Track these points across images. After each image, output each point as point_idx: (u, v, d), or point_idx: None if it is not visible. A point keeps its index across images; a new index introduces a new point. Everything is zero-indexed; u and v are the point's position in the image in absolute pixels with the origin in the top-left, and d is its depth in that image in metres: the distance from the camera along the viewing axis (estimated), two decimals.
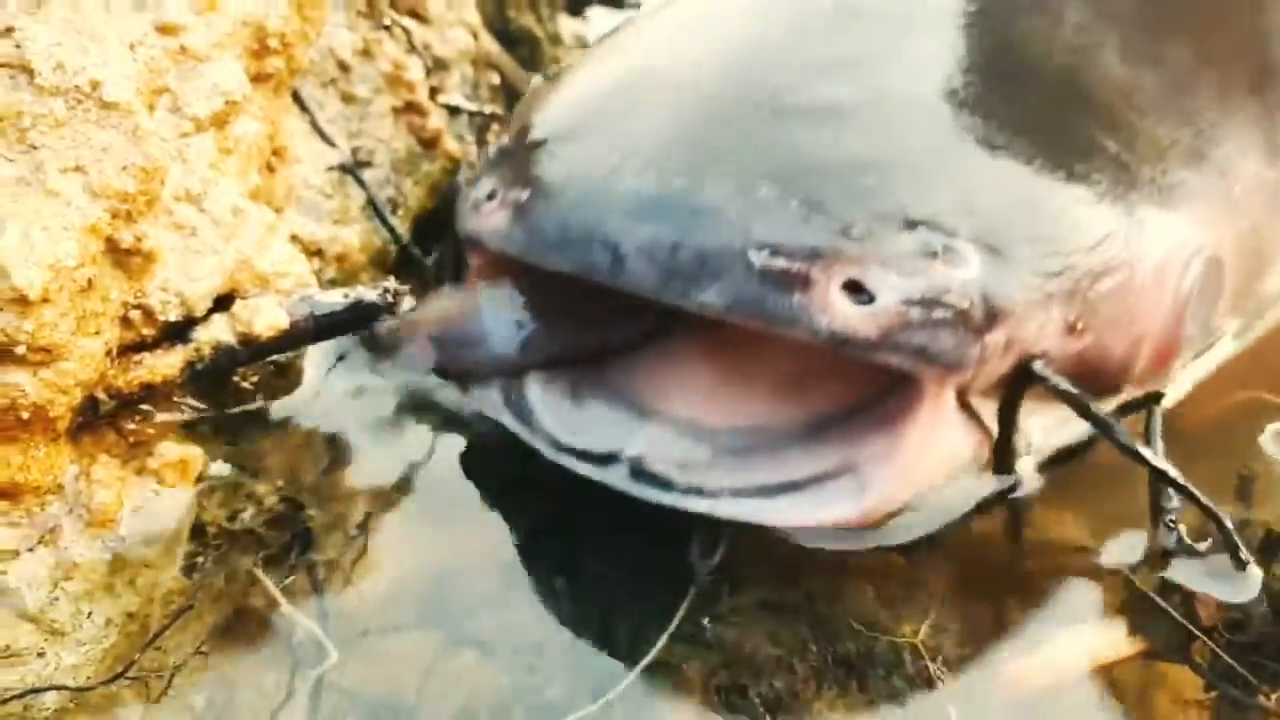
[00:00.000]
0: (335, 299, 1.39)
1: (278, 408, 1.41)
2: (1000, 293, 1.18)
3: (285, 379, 1.43)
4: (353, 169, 1.68)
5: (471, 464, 1.39)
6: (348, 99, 1.75)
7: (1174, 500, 1.27)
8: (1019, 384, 1.24)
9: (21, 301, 1.09)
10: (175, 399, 1.32)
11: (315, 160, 1.66)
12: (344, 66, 1.75)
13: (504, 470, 1.37)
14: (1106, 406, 1.29)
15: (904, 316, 1.14)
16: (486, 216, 1.29)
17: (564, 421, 1.31)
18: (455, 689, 1.12)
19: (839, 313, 1.13)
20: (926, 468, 1.24)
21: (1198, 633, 1.21)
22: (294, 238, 1.52)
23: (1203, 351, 1.51)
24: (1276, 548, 1.26)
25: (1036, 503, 1.35)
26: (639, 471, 1.26)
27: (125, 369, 1.26)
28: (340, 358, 1.49)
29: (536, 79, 1.74)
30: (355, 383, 1.47)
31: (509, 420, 1.33)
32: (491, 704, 1.11)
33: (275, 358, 1.40)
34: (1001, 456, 1.30)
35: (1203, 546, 1.26)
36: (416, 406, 1.45)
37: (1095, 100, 1.36)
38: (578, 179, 1.24)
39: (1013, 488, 1.32)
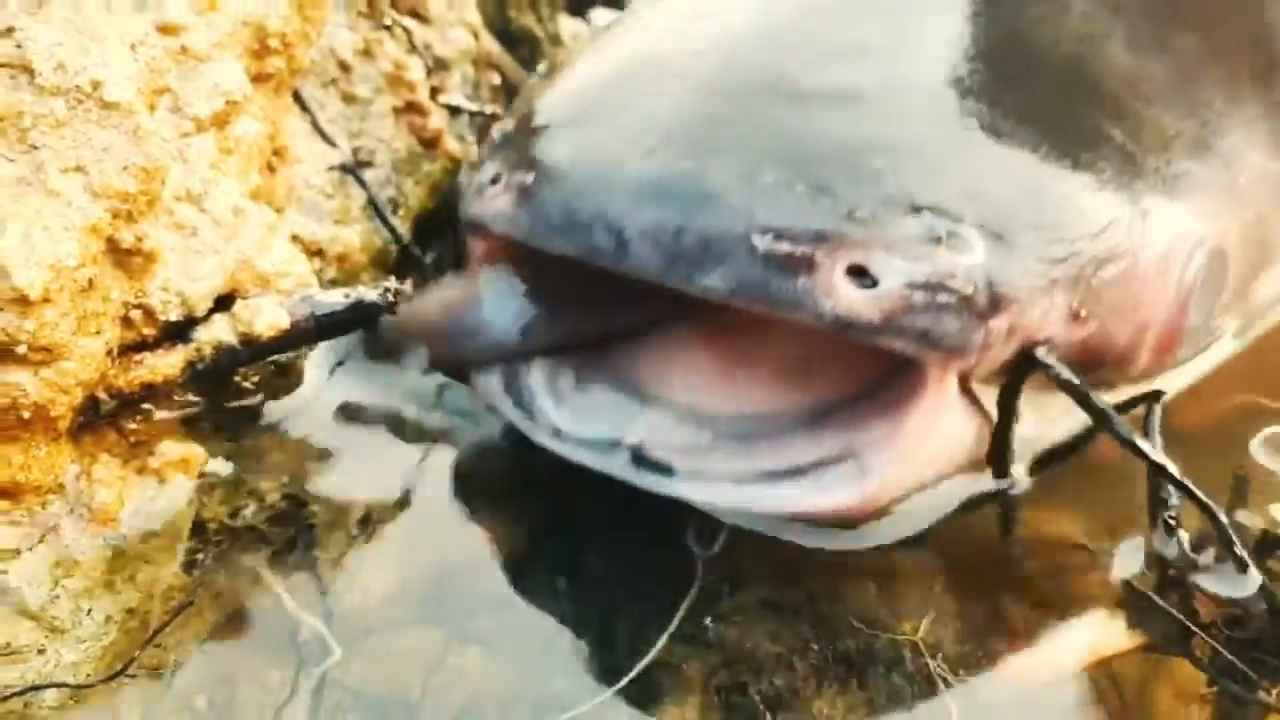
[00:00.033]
0: (336, 299, 1.39)
1: (279, 407, 1.41)
2: (1004, 279, 1.18)
3: (286, 379, 1.43)
4: (353, 169, 1.69)
5: (474, 462, 1.39)
6: (348, 99, 1.75)
7: (1173, 497, 1.28)
8: (1021, 371, 1.24)
9: (22, 301, 1.10)
10: (176, 398, 1.32)
11: (316, 160, 1.66)
12: (345, 66, 1.75)
13: (507, 468, 1.38)
14: (1108, 399, 1.29)
15: (907, 301, 1.14)
16: (490, 200, 1.28)
17: (564, 408, 1.31)
18: (458, 687, 1.12)
19: (843, 297, 1.13)
20: (928, 454, 1.24)
21: (1196, 629, 1.21)
22: (295, 238, 1.52)
23: (1205, 348, 1.51)
24: (1271, 548, 1.27)
25: (1035, 501, 1.35)
26: (640, 458, 1.26)
27: (126, 369, 1.26)
28: (341, 358, 1.49)
29: (540, 68, 1.74)
30: (356, 382, 1.47)
31: (508, 408, 1.33)
32: (494, 701, 1.11)
33: (276, 357, 1.40)
34: (999, 445, 1.30)
35: (1201, 547, 1.27)
36: (418, 406, 1.45)
37: (1102, 89, 1.36)
38: (582, 162, 1.24)
39: (1008, 482, 1.33)
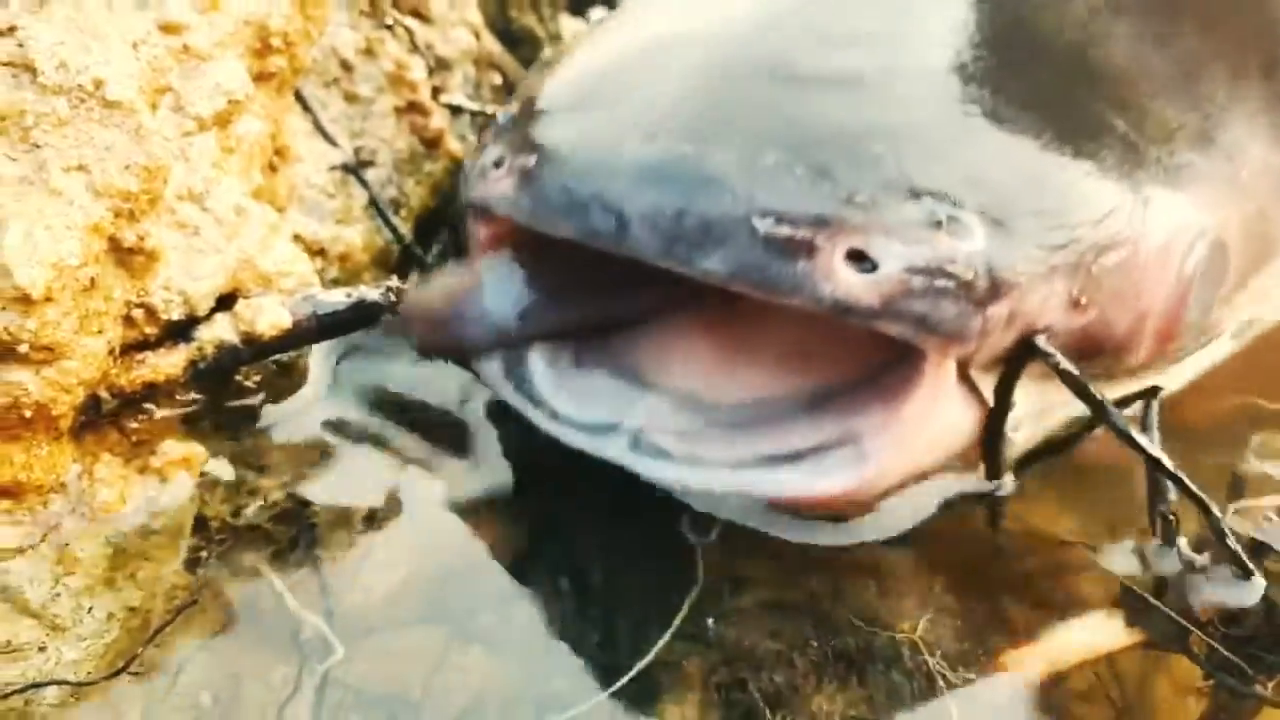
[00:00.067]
0: (338, 298, 1.39)
1: (280, 407, 1.41)
2: (1004, 265, 1.18)
3: (288, 378, 1.43)
4: (355, 169, 1.69)
5: (476, 462, 1.39)
6: (350, 98, 1.75)
7: (1171, 493, 1.28)
8: (1020, 359, 1.24)
9: (24, 300, 1.10)
10: (178, 397, 1.32)
11: (317, 160, 1.66)
12: (346, 66, 1.75)
13: (509, 468, 1.37)
14: (1108, 392, 1.29)
15: (907, 286, 1.14)
16: (493, 183, 1.29)
17: (564, 393, 1.32)
18: (460, 686, 1.12)
19: (842, 281, 1.13)
20: (927, 440, 1.25)
21: (1193, 627, 1.21)
22: (296, 237, 1.52)
23: (1204, 342, 1.51)
24: (1264, 548, 1.28)
25: (1034, 499, 1.35)
26: (638, 442, 1.26)
27: (128, 368, 1.26)
28: (343, 357, 1.49)
29: (545, 53, 1.74)
30: (358, 382, 1.47)
31: (508, 392, 1.33)
32: (496, 700, 1.12)
33: (278, 357, 1.40)
34: (992, 433, 1.29)
35: (1200, 545, 1.27)
36: (420, 405, 1.45)
37: (1105, 79, 1.36)
38: (584, 145, 1.24)
39: (998, 477, 1.33)
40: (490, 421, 1.41)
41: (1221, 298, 1.45)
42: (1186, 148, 1.38)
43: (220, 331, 1.32)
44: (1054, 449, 1.40)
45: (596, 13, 2.44)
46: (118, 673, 1.09)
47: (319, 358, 1.47)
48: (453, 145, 1.84)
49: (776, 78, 1.25)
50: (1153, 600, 1.24)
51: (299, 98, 1.66)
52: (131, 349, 1.26)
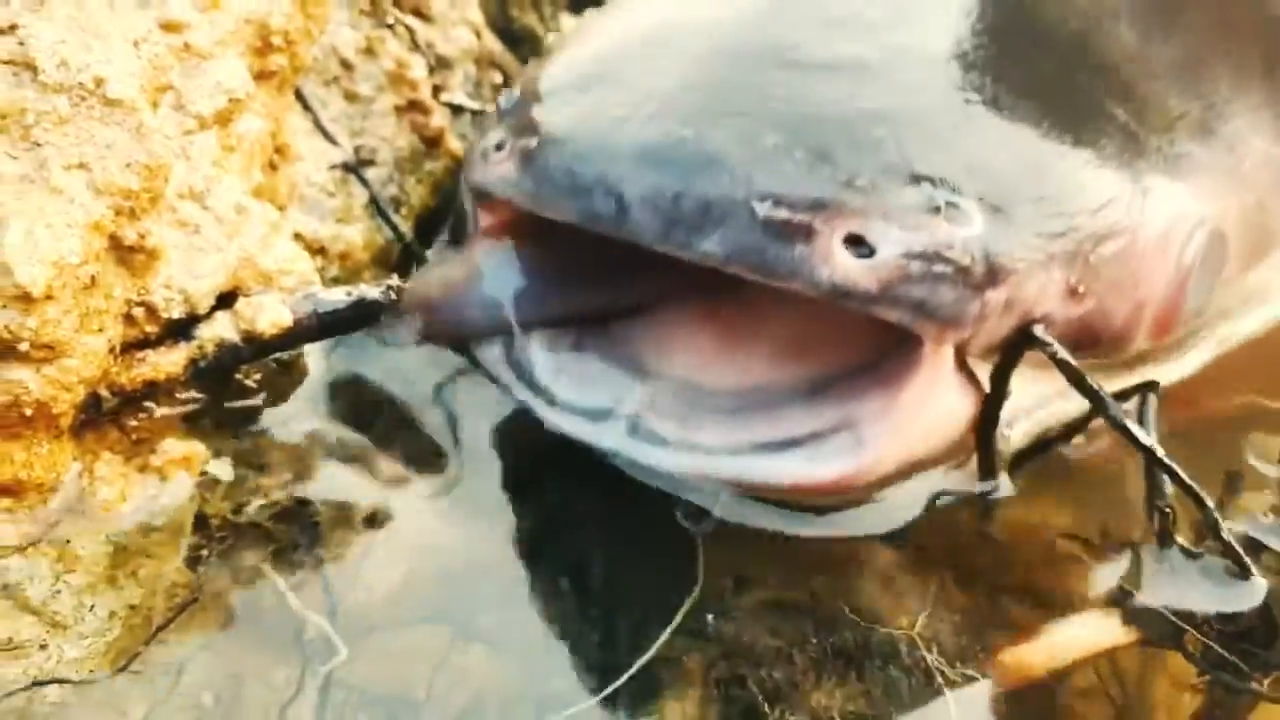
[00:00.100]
0: (338, 297, 1.38)
1: (281, 405, 1.41)
2: (1002, 251, 1.18)
3: (288, 376, 1.43)
4: (355, 167, 1.69)
5: (477, 461, 1.39)
6: (350, 97, 1.75)
7: (1168, 488, 1.28)
8: (1017, 347, 1.24)
9: (25, 298, 1.09)
10: (178, 396, 1.32)
11: (318, 158, 1.66)
12: (347, 65, 1.75)
13: (510, 467, 1.38)
14: (1106, 384, 1.29)
15: (904, 271, 1.14)
16: (495, 166, 1.29)
17: (563, 379, 1.32)
18: (462, 685, 1.13)
19: (839, 265, 1.13)
20: (924, 427, 1.25)
21: (1189, 625, 1.22)
22: (297, 236, 1.52)
23: (1202, 335, 1.51)
24: (1259, 546, 1.28)
25: (1031, 496, 1.35)
26: (636, 429, 1.26)
27: (128, 366, 1.26)
28: (344, 356, 1.49)
29: (550, 39, 1.74)
30: (359, 380, 1.47)
31: (508, 378, 1.34)
32: (497, 699, 1.12)
33: (278, 355, 1.40)
34: (988, 421, 1.29)
35: (1195, 541, 1.27)
36: (421, 404, 1.45)
37: (1107, 68, 1.37)
38: (585, 127, 1.24)
39: (992, 466, 1.33)
40: (491, 421, 1.41)
41: (1220, 289, 1.45)
42: (1187, 138, 1.38)
43: (221, 330, 1.32)
44: (1051, 442, 1.40)
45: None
46: (119, 671, 1.09)
47: (319, 356, 1.47)
48: (453, 144, 1.84)
49: (778, 62, 1.25)
50: (1149, 597, 1.24)
51: (299, 96, 1.66)
52: (132, 347, 1.26)
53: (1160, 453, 1.25)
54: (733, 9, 1.34)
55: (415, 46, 1.83)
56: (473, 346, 1.38)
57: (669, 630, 1.17)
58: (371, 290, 1.40)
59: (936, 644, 1.19)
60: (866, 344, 1.28)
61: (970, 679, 1.17)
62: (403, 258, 1.69)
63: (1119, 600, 1.25)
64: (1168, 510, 1.28)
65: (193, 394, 1.34)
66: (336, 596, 1.19)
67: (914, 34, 1.31)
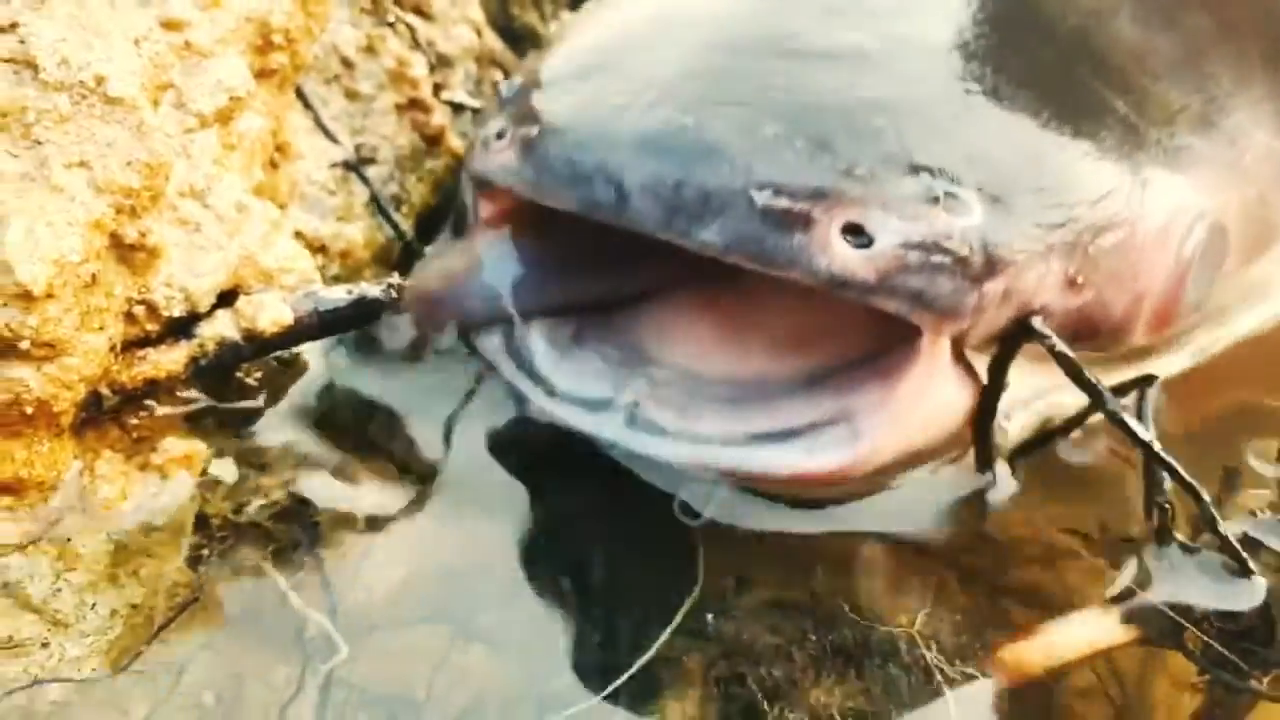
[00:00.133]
0: (339, 295, 1.38)
1: (282, 404, 1.41)
2: (1001, 242, 1.18)
3: (289, 375, 1.43)
4: (356, 166, 1.69)
5: (478, 460, 1.39)
6: (351, 95, 1.75)
7: (1167, 484, 1.28)
8: (1015, 339, 1.24)
9: (26, 297, 1.09)
10: (179, 394, 1.32)
11: (319, 157, 1.66)
12: (347, 63, 1.75)
13: (511, 466, 1.37)
14: (1105, 377, 1.29)
15: (902, 261, 1.14)
16: (495, 154, 1.29)
17: (562, 368, 1.32)
18: (462, 685, 1.13)
19: (838, 255, 1.13)
20: (921, 419, 1.25)
21: (1189, 623, 1.22)
22: (298, 234, 1.52)
23: (1203, 330, 1.51)
24: (1258, 544, 1.28)
25: (1029, 493, 1.36)
26: (634, 418, 1.26)
27: (129, 364, 1.26)
28: (344, 354, 1.49)
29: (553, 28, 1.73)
30: (359, 379, 1.47)
31: (507, 367, 1.34)
32: (498, 699, 1.12)
33: (279, 354, 1.40)
34: (985, 413, 1.29)
35: (1194, 537, 1.27)
36: (422, 403, 1.45)
37: (1108, 61, 1.37)
38: (586, 116, 1.24)
39: (989, 459, 1.32)
40: (492, 421, 1.41)
41: (1220, 283, 1.45)
42: (1188, 131, 1.38)
43: (221, 328, 1.32)
44: (1050, 435, 1.40)
45: None
46: (121, 670, 1.09)
47: (320, 355, 1.47)
48: (454, 142, 1.84)
49: (779, 51, 1.25)
50: (1148, 594, 1.24)
51: (300, 95, 1.66)
52: (133, 345, 1.26)
53: (1158, 448, 1.25)
54: None
55: (416, 45, 1.83)
56: (472, 338, 1.38)
57: (669, 630, 1.17)
58: (372, 288, 1.40)
59: (936, 642, 1.19)
60: (866, 335, 1.29)
61: (970, 677, 1.17)
62: (403, 256, 1.69)
63: (1118, 597, 1.25)
64: (1166, 506, 1.28)
65: (193, 392, 1.33)
66: (337, 596, 1.19)
67: (914, 23, 1.31)
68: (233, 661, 1.12)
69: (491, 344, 1.37)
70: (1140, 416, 1.32)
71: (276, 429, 1.38)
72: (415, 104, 1.79)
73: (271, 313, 1.33)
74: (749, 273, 1.18)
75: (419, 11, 1.89)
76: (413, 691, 1.11)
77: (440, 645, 1.16)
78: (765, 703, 1.12)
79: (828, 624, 1.20)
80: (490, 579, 1.24)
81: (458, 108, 1.88)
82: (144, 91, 1.24)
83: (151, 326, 1.27)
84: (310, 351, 1.45)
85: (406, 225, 1.71)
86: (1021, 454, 1.37)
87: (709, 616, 1.20)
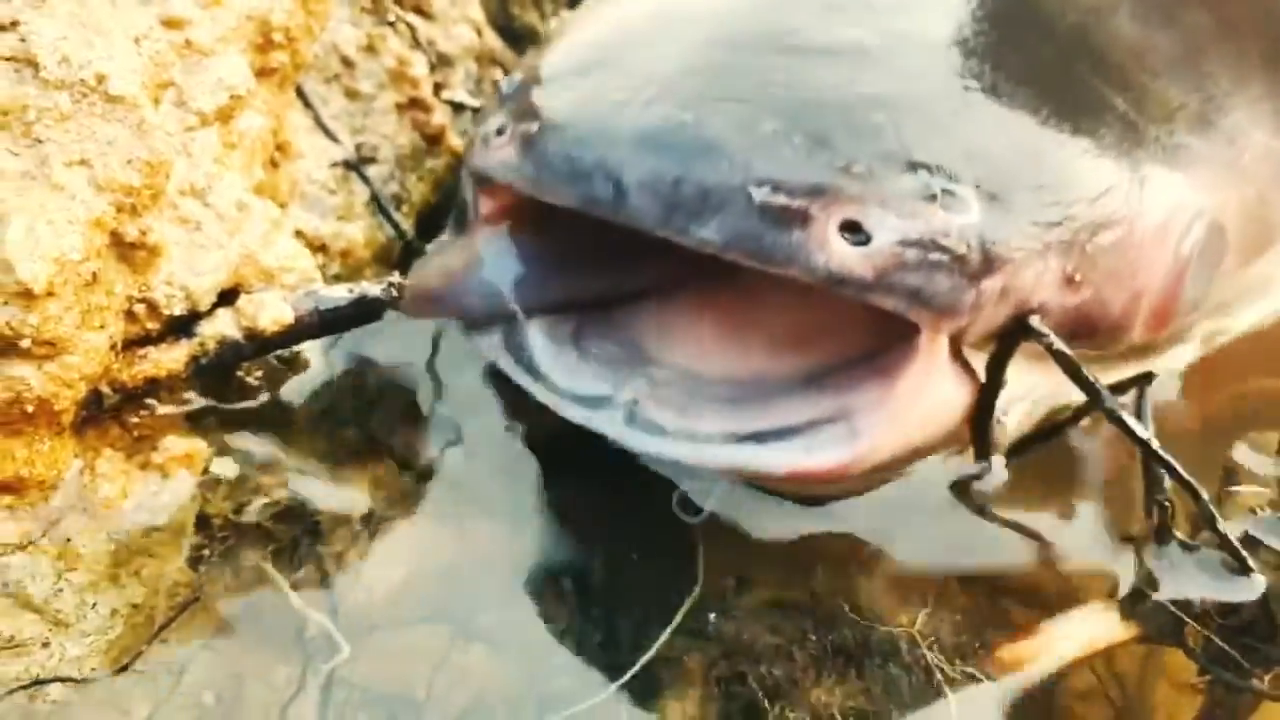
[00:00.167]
0: (340, 294, 1.38)
1: (282, 403, 1.41)
2: (999, 239, 1.18)
3: (290, 373, 1.43)
4: (357, 165, 1.69)
5: (478, 459, 1.39)
6: (351, 95, 1.75)
7: (1166, 480, 1.28)
8: (1013, 337, 1.24)
9: (26, 295, 1.09)
10: (180, 393, 1.32)
11: (319, 156, 1.66)
12: (348, 62, 1.75)
13: (511, 466, 1.38)
14: (1103, 376, 1.29)
15: (900, 258, 1.14)
16: (495, 150, 1.29)
17: (562, 365, 1.32)
18: (462, 684, 1.13)
19: (835, 252, 1.13)
20: (919, 417, 1.25)
21: (1190, 620, 1.22)
22: (298, 233, 1.52)
23: (1202, 329, 1.51)
24: (1258, 542, 1.28)
25: (1029, 492, 1.36)
26: (633, 416, 1.26)
27: (130, 363, 1.26)
28: (345, 353, 1.49)
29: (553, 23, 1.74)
30: (360, 378, 1.47)
31: (507, 363, 1.34)
32: (498, 699, 1.12)
33: (280, 352, 1.40)
34: (983, 411, 1.29)
35: (1194, 535, 1.27)
36: (423, 403, 1.45)
37: (1108, 58, 1.36)
38: (585, 112, 1.24)
39: (987, 458, 1.33)
40: (493, 420, 1.41)
41: (1219, 282, 1.45)
42: (1186, 129, 1.38)
43: (222, 327, 1.32)
44: (1048, 433, 1.40)
45: None
46: (121, 670, 1.09)
47: (320, 354, 1.47)
48: (454, 141, 1.84)
49: (778, 47, 1.25)
50: (1148, 592, 1.24)
51: (300, 94, 1.66)
52: (133, 344, 1.26)
53: (1156, 445, 1.25)
54: None
55: (416, 44, 1.83)
56: (472, 334, 1.38)
57: (670, 629, 1.17)
58: (373, 287, 1.40)
59: (936, 641, 1.19)
60: (865, 334, 1.29)
61: (970, 677, 1.17)
62: (404, 255, 1.69)
63: (1118, 597, 1.26)
64: (1166, 504, 1.28)
65: (194, 391, 1.33)
66: (338, 596, 1.20)
67: (914, 20, 1.31)
68: (233, 661, 1.12)
69: (491, 341, 1.37)
70: (1139, 414, 1.32)
71: (277, 428, 1.38)
72: (415, 103, 1.79)
73: (272, 311, 1.33)
74: (749, 270, 1.18)
75: (419, 11, 1.89)
76: (413, 691, 1.11)
77: (441, 645, 1.16)
78: (766, 701, 1.12)
79: (828, 624, 1.20)
80: (490, 579, 1.24)
81: (458, 107, 1.88)
82: (144, 90, 1.24)
83: (152, 325, 1.27)
84: (311, 350, 1.45)
85: (407, 224, 1.71)
86: (1019, 451, 1.37)
87: (709, 616, 1.20)
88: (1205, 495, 1.24)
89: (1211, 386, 1.51)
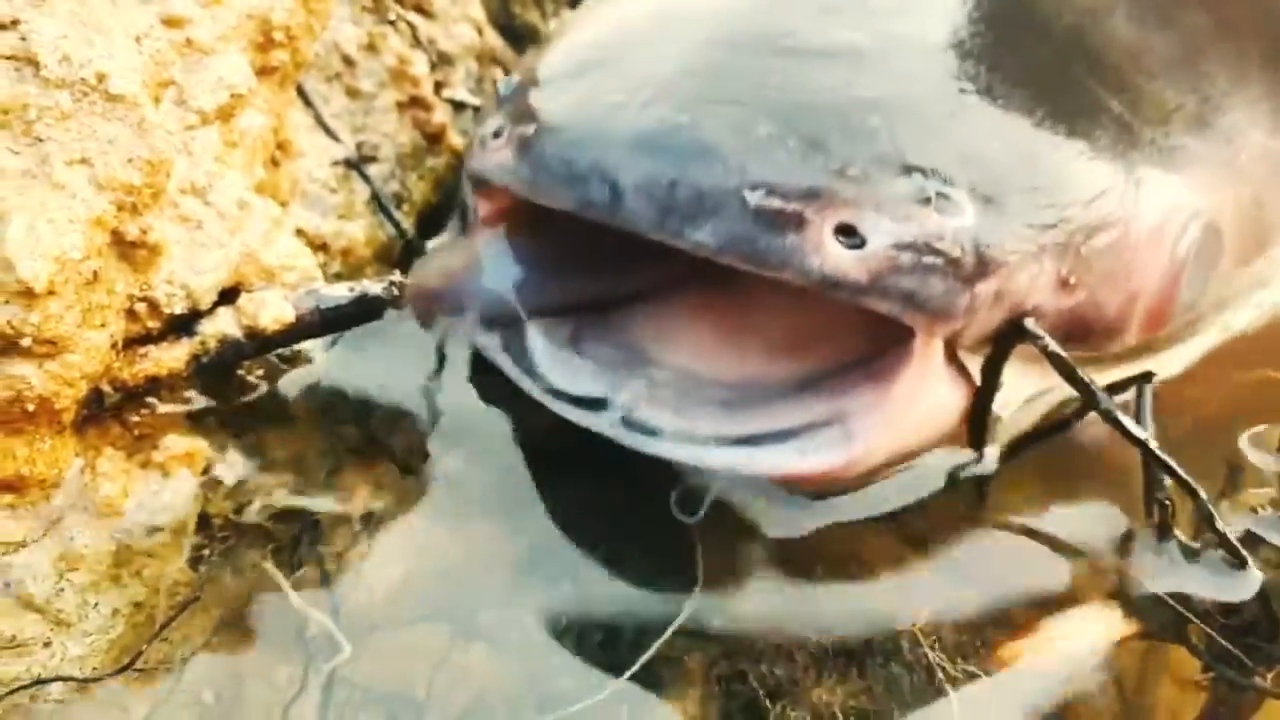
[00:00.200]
0: (340, 292, 1.39)
1: (283, 401, 1.41)
2: (993, 242, 1.18)
3: (291, 372, 1.43)
4: (357, 164, 1.69)
5: (479, 459, 1.38)
6: (352, 93, 1.75)
7: (1167, 481, 1.28)
8: (1008, 339, 1.24)
9: (27, 294, 1.09)
10: (180, 392, 1.32)
11: (320, 155, 1.66)
12: (349, 61, 1.75)
13: (511, 465, 1.37)
14: (1101, 377, 1.28)
15: (894, 262, 1.14)
16: (493, 153, 1.29)
17: (559, 367, 1.32)
18: (463, 684, 1.13)
19: (830, 255, 1.13)
20: (914, 420, 1.25)
21: (1192, 618, 1.22)
22: (299, 232, 1.52)
23: (1199, 329, 1.51)
24: (1258, 540, 1.28)
25: (1030, 491, 1.36)
26: (630, 418, 1.26)
27: (130, 362, 1.26)
28: (345, 352, 1.49)
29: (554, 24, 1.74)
30: (360, 377, 1.47)
31: (506, 364, 1.34)
32: (499, 698, 1.12)
33: (281, 351, 1.40)
34: (978, 415, 1.29)
35: (1195, 534, 1.27)
36: (423, 402, 1.45)
37: (1103, 60, 1.36)
38: (582, 114, 1.24)
39: (983, 459, 1.33)
40: (493, 420, 1.41)
41: (1215, 283, 1.45)
42: (1183, 130, 1.38)
43: (223, 325, 1.32)
44: (1043, 434, 1.40)
45: None
46: (122, 669, 1.09)
47: (321, 352, 1.47)
48: (455, 140, 1.84)
49: (774, 50, 1.25)
50: (1150, 591, 1.24)
51: (301, 93, 1.66)
52: (134, 343, 1.26)
53: (1154, 445, 1.25)
54: None
55: (417, 43, 1.83)
56: (472, 335, 1.38)
57: (670, 629, 1.17)
58: (374, 286, 1.40)
59: (938, 640, 1.19)
60: (860, 337, 1.29)
61: (972, 675, 1.17)
62: (404, 254, 1.69)
63: (1119, 594, 1.26)
64: (1167, 503, 1.28)
65: (195, 390, 1.33)
66: (338, 595, 1.19)
67: (910, 23, 1.31)
68: (234, 661, 1.12)
69: (490, 342, 1.37)
70: (1139, 413, 1.32)
71: (277, 427, 1.38)
72: (416, 102, 1.79)
73: (273, 310, 1.33)
74: (745, 274, 1.18)
75: (420, 9, 1.89)
76: (414, 691, 1.11)
77: (441, 644, 1.16)
78: (767, 701, 1.12)
79: (829, 623, 1.20)
80: (490, 579, 1.24)
81: (459, 106, 1.89)
82: (145, 88, 1.24)
83: (153, 324, 1.27)
84: (312, 349, 1.45)
85: (408, 223, 1.71)
86: (1016, 451, 1.37)
87: (710, 616, 1.20)
88: (1203, 494, 1.24)
89: (1210, 385, 1.51)
